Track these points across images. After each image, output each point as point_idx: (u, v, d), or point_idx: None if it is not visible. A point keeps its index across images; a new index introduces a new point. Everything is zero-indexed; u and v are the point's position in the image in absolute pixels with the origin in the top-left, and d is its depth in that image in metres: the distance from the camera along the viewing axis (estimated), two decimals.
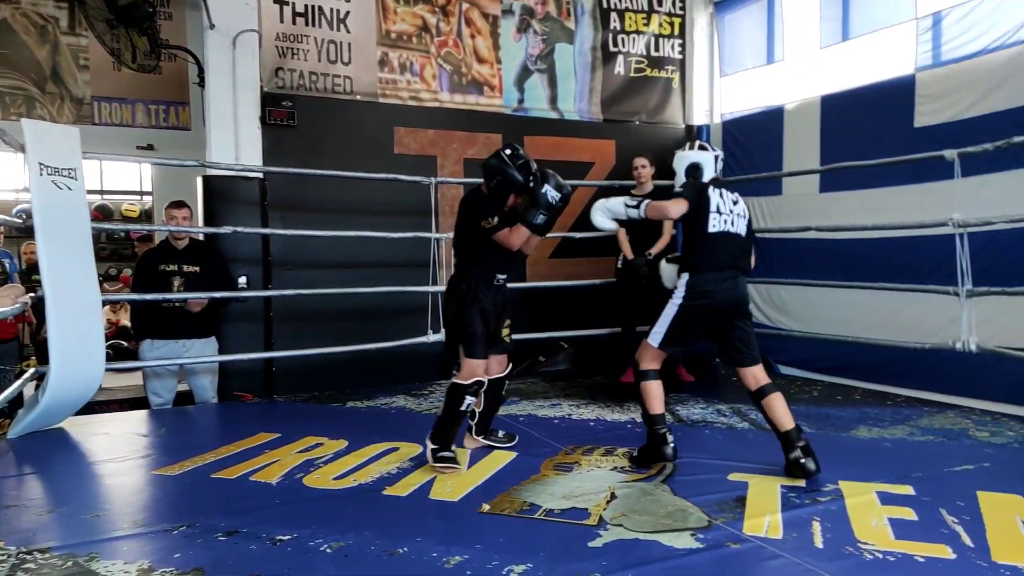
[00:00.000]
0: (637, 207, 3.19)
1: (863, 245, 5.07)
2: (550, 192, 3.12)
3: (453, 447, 3.23)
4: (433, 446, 3.18)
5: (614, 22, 6.39)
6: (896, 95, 4.92)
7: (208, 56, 4.91)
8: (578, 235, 5.65)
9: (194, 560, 2.25)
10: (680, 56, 6.64)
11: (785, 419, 3.04)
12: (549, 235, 5.74)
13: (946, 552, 2.28)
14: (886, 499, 2.73)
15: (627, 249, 5.06)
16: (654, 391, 3.20)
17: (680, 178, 3.29)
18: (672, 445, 3.16)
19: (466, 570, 2.18)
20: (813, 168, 5.44)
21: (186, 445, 3.58)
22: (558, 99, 6.21)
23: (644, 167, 5.18)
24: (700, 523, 2.54)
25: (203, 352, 4.48)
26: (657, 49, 6.56)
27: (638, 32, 6.48)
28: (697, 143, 3.45)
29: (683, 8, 6.61)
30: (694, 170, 3.27)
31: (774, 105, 5.98)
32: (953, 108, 4.57)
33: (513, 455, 3.36)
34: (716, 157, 3.33)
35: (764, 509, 2.65)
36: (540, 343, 5.68)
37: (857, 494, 2.78)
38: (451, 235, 5.23)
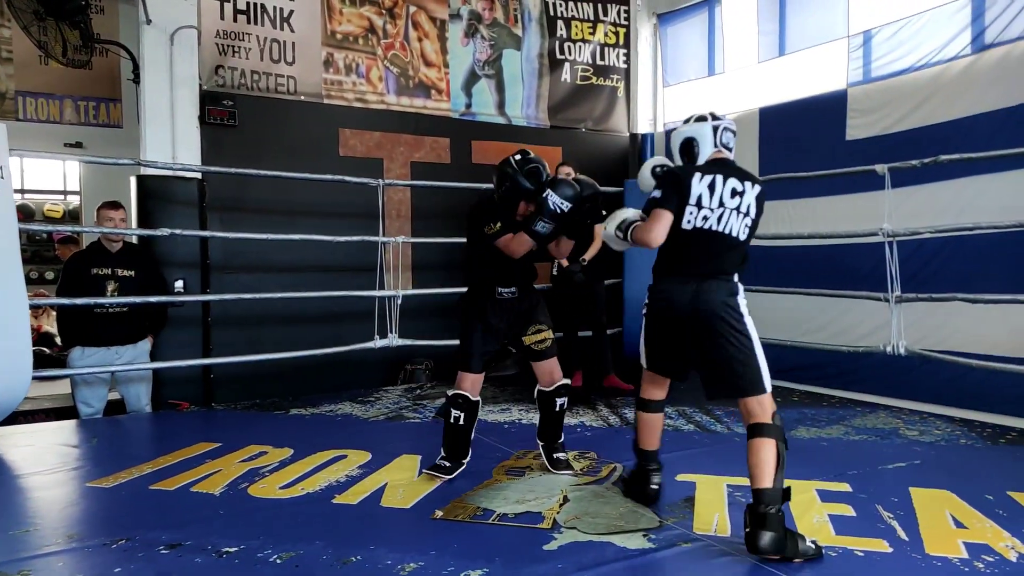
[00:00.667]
0: (625, 238, 2.66)
1: (800, 252, 5.26)
2: (552, 199, 2.85)
3: (464, 460, 3.14)
4: (443, 453, 3.15)
5: (561, 30, 6.47)
6: (829, 109, 5.15)
7: (144, 52, 4.73)
8: None
9: (136, 574, 2.15)
10: (625, 66, 6.77)
11: (759, 472, 2.34)
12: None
13: (883, 546, 2.38)
14: (825, 496, 2.84)
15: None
16: (644, 423, 2.81)
17: (676, 159, 2.74)
18: (655, 487, 2.78)
19: None
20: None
21: (121, 456, 3.41)
22: (506, 104, 6.24)
23: (568, 174, 5.22)
24: (652, 524, 2.58)
25: (137, 359, 4.29)
26: (603, 58, 6.68)
27: (584, 41, 6.58)
28: (698, 113, 2.75)
29: (628, 19, 6.75)
30: (688, 148, 2.66)
31: None
32: (882, 122, 4.80)
33: (464, 461, 3.33)
34: (717, 128, 2.63)
35: (712, 508, 2.71)
36: None
37: (798, 492, 2.84)
38: (399, 239, 5.24)
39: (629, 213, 2.72)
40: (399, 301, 4.93)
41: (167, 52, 4.73)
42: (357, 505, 2.78)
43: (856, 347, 4.53)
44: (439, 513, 2.68)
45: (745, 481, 2.96)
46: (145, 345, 4.35)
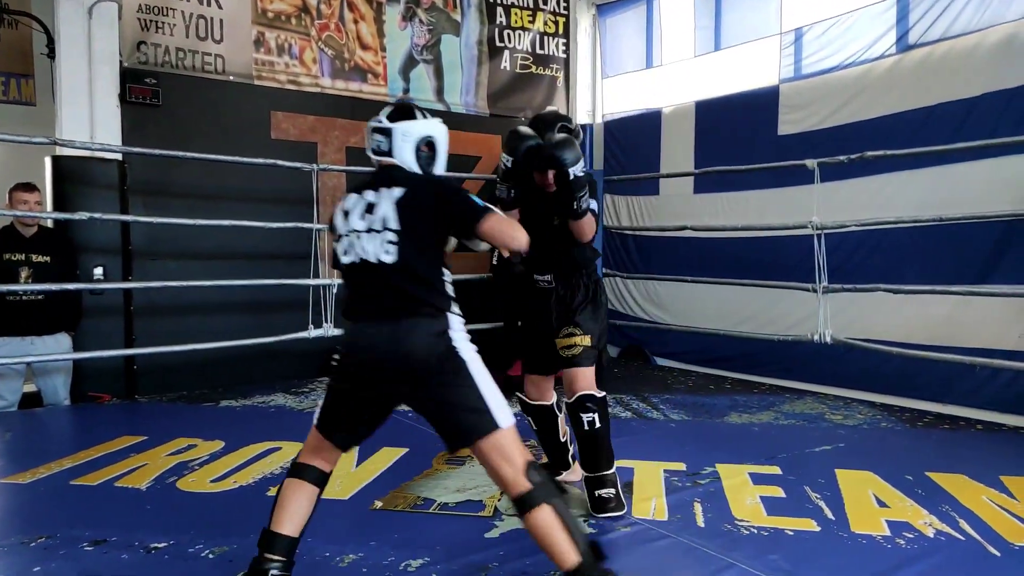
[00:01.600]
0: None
1: (733, 244, 5.41)
2: (501, 157, 2.70)
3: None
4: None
5: (500, 17, 6.42)
6: (762, 104, 5.29)
7: (60, 26, 4.45)
8: None
9: (57, 573, 2.04)
10: (564, 55, 6.79)
11: (554, 553, 1.84)
12: None
13: (812, 525, 2.47)
14: (757, 479, 2.93)
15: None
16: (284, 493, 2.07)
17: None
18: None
19: (361, 567, 2.11)
20: (688, 171, 5.74)
21: (38, 450, 3.22)
22: (444, 91, 6.16)
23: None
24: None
25: (53, 349, 4.04)
26: (543, 47, 6.67)
27: (524, 29, 6.55)
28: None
29: (567, 8, 6.76)
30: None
31: (652, 108, 6.25)
32: (812, 118, 4.97)
33: (404, 451, 3.29)
34: (368, 130, 2.14)
35: (650, 493, 2.76)
36: None
37: (732, 475, 2.96)
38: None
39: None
40: (335, 290, 4.81)
41: (85, 26, 4.46)
42: None
43: (785, 336, 4.69)
44: (378, 503, 2.63)
45: (682, 466, 3.06)
46: (63, 338, 4.10)
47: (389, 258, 1.93)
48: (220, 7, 5.07)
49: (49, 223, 4.34)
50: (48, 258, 3.99)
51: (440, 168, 2.16)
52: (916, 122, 4.37)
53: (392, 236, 1.93)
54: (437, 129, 2.14)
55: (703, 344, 5.53)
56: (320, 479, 2.06)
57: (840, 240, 4.59)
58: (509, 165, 2.67)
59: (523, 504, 1.83)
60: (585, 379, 2.62)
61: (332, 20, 5.59)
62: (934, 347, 4.09)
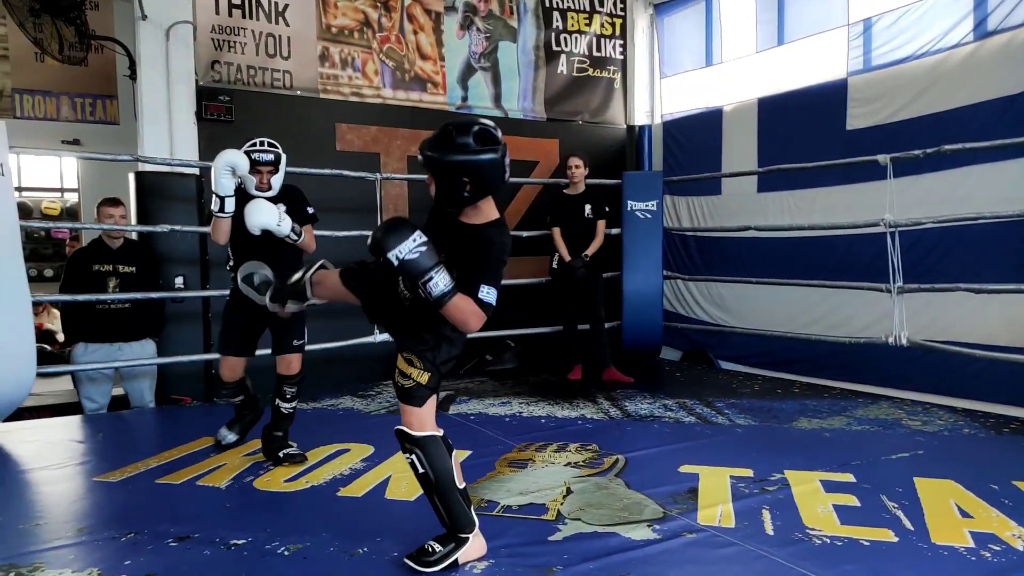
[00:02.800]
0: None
1: (800, 244, 5.27)
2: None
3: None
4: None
5: (557, 21, 6.44)
6: (829, 98, 5.14)
7: (140, 48, 4.71)
8: (524, 234, 5.67)
9: (146, 567, 2.16)
10: (622, 57, 6.75)
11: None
12: None
13: (889, 535, 2.38)
14: (829, 487, 2.84)
15: (563, 250, 5.09)
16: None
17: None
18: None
19: None
20: (751, 169, 5.62)
21: (126, 450, 3.42)
22: (502, 97, 6.22)
23: (578, 167, 5.18)
24: (656, 515, 2.58)
25: (139, 355, 4.28)
26: (599, 49, 6.65)
27: (580, 32, 6.55)
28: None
29: (624, 9, 6.72)
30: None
31: (713, 107, 6.15)
32: (883, 112, 4.79)
33: (467, 453, 3.34)
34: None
35: (716, 499, 2.72)
36: (486, 342, 5.68)
37: (802, 482, 2.88)
38: None
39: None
40: None
41: (163, 48, 4.71)
42: (362, 498, 2.79)
43: (857, 338, 4.53)
44: None
45: (749, 472, 3.00)
46: (149, 344, 4.34)
47: None
48: (288, 25, 5.27)
49: (134, 235, 4.60)
50: (133, 268, 4.23)
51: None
52: (996, 113, 4.17)
53: None
54: None
55: (769, 347, 5.39)
56: None
57: (916, 238, 4.41)
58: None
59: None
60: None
61: (392, 32, 5.73)
62: (1019, 349, 3.88)
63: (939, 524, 2.46)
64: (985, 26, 4.32)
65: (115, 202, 4.24)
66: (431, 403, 2.21)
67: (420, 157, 2.16)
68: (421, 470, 2.18)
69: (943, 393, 4.33)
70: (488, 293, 2.03)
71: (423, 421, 2.18)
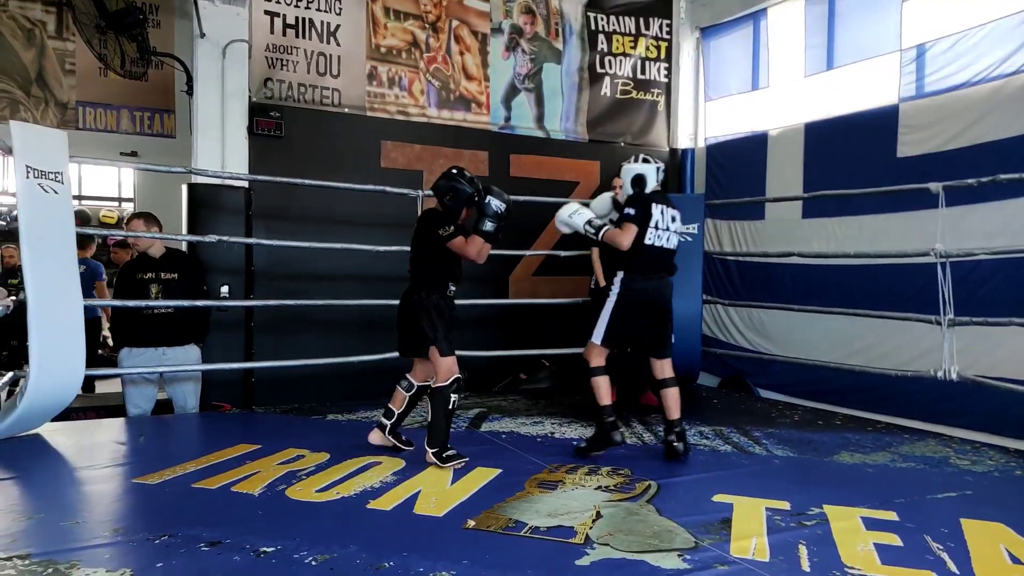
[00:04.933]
0: (596, 233, 3.58)
1: (845, 272, 5.15)
2: (494, 202, 3.41)
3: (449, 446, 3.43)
4: (432, 450, 3.37)
5: (601, 44, 6.48)
6: (879, 125, 5.03)
7: (197, 65, 4.88)
8: (563, 253, 5.67)
9: (177, 570, 2.20)
10: (666, 80, 6.74)
11: (674, 410, 3.61)
12: (533, 253, 5.85)
13: None
14: (870, 524, 2.74)
15: (599, 273, 5.04)
16: (601, 385, 3.63)
17: (627, 189, 3.66)
18: (621, 431, 3.64)
19: None
20: (796, 195, 5.53)
21: (166, 454, 3.50)
22: (545, 118, 6.26)
23: (623, 187, 5.15)
24: (687, 544, 2.52)
25: (183, 360, 4.40)
26: (643, 72, 6.66)
27: (625, 55, 6.57)
28: (641, 156, 3.75)
29: (670, 32, 6.72)
30: (639, 181, 3.63)
31: (758, 131, 6.08)
32: (935, 139, 4.68)
33: (497, 471, 3.33)
34: (658, 169, 3.69)
35: (750, 531, 2.64)
36: (521, 360, 5.67)
37: (842, 518, 2.78)
38: None
39: (587, 211, 3.69)
40: None
41: (219, 65, 4.88)
42: (391, 511, 2.79)
43: (904, 371, 4.38)
44: (471, 523, 2.67)
45: (786, 505, 2.92)
46: (193, 350, 4.45)
47: (673, 247, 3.68)
48: (339, 44, 5.41)
49: (183, 245, 4.75)
50: (175, 275, 4.35)
51: None
52: None
53: (675, 239, 3.69)
54: None
55: (810, 376, 5.26)
56: (606, 370, 3.67)
57: (968, 270, 4.27)
58: (503, 211, 3.44)
59: (667, 383, 3.71)
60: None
61: (439, 52, 5.84)
62: None
63: (987, 569, 2.34)
64: None
65: (139, 215, 4.40)
66: None
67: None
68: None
69: (994, 432, 4.15)
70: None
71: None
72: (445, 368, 3.41)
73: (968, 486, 3.27)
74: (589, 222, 3.62)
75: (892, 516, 2.81)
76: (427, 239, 3.48)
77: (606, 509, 2.85)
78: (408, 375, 3.71)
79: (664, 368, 3.66)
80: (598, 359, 3.64)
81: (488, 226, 3.41)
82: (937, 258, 4.08)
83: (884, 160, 4.95)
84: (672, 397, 3.62)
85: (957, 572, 2.33)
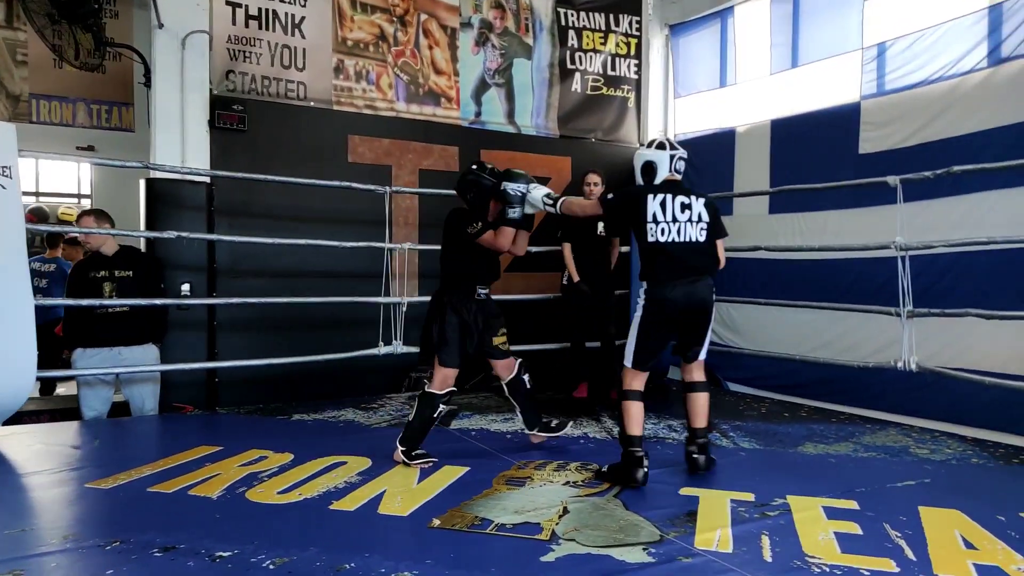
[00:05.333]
0: (554, 204, 3.35)
1: (810, 266, 5.21)
2: (510, 187, 3.30)
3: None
4: (403, 448, 3.36)
5: (572, 40, 6.47)
6: (842, 121, 5.10)
7: (156, 56, 4.76)
8: (535, 249, 5.63)
9: None
10: (636, 76, 6.76)
11: (699, 417, 3.32)
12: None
13: (890, 566, 2.31)
14: (832, 513, 2.77)
15: (572, 269, 5.01)
16: (632, 412, 3.22)
17: (637, 178, 3.29)
18: (645, 470, 3.08)
19: None
20: (762, 190, 5.58)
21: (121, 457, 3.40)
22: (515, 113, 6.24)
23: (596, 184, 5.14)
24: (652, 537, 2.52)
25: (140, 360, 4.28)
26: (613, 68, 6.67)
27: (595, 51, 6.57)
28: (657, 140, 3.33)
29: (639, 30, 6.74)
30: (648, 170, 3.24)
31: (726, 127, 6.13)
32: (895, 136, 4.75)
33: (465, 469, 3.30)
34: (673, 156, 3.22)
35: (715, 523, 2.65)
36: None
37: (804, 509, 2.82)
38: (405, 246, 5.21)
39: (544, 189, 3.40)
40: (404, 308, 4.91)
41: (178, 57, 4.76)
42: (354, 512, 2.75)
43: (866, 363, 4.45)
44: (436, 522, 2.64)
45: (750, 496, 2.94)
46: (151, 349, 4.34)
47: (697, 238, 3.17)
48: (304, 37, 5.32)
49: (141, 242, 4.63)
50: (130, 272, 4.23)
51: None
52: (1010, 139, 4.12)
53: (698, 229, 3.18)
54: None
55: (778, 369, 5.32)
56: (641, 396, 3.27)
57: (927, 263, 4.34)
58: (525, 192, 3.35)
59: (703, 385, 3.38)
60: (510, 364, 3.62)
61: (408, 47, 5.77)
62: None
63: (942, 555, 2.38)
64: (999, 52, 4.29)
65: (92, 213, 4.28)
66: None
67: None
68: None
69: (953, 421, 4.24)
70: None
71: None
72: (441, 377, 3.38)
73: (927, 474, 3.33)
74: (548, 195, 3.38)
75: (853, 505, 2.85)
76: (456, 239, 3.40)
77: (573, 504, 2.85)
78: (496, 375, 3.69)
79: (693, 371, 3.34)
80: (631, 382, 3.26)
81: (511, 213, 3.30)
82: (897, 251, 4.14)
83: (847, 156, 5.02)
84: (698, 403, 3.31)
85: (914, 559, 2.36)
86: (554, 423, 3.73)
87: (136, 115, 7.03)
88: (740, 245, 5.68)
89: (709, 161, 6.23)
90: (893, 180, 4.21)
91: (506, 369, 3.60)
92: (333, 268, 5.16)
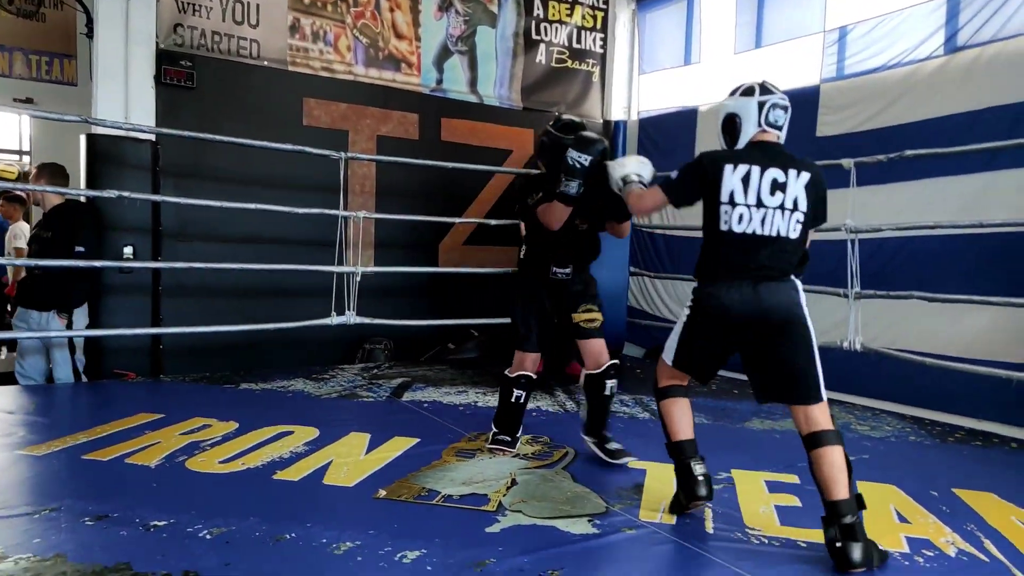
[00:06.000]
0: (623, 189, 2.61)
1: None
2: (571, 155, 2.72)
3: (518, 434, 3.24)
4: (495, 429, 3.23)
5: (538, 9, 6.36)
6: (801, 104, 5.04)
7: (98, 5, 4.52)
8: (493, 222, 5.59)
9: (56, 546, 2.06)
10: (601, 51, 6.70)
11: (833, 484, 2.19)
12: (463, 220, 5.75)
13: None
14: (773, 487, 2.84)
15: None
16: (675, 413, 2.54)
17: (720, 138, 2.44)
18: (704, 477, 2.46)
19: (356, 556, 2.08)
20: None
21: (57, 424, 3.29)
22: (478, 82, 6.13)
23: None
24: (597, 509, 2.54)
25: (41, 327, 4.01)
26: (579, 41, 6.59)
27: (561, 22, 6.48)
28: (746, 84, 2.39)
29: (606, 2, 6.66)
30: (730, 126, 2.37)
31: (689, 106, 6.12)
32: (852, 120, 4.81)
33: (415, 440, 3.27)
34: (764, 105, 2.31)
35: (661, 496, 2.68)
36: (449, 330, 5.61)
37: (747, 482, 2.87)
38: (360, 214, 5.09)
39: (634, 167, 2.65)
40: (358, 278, 4.80)
41: (123, 6, 4.52)
42: (298, 482, 2.70)
43: None
44: (382, 492, 2.61)
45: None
46: (53, 318, 4.02)
47: (794, 235, 2.29)
48: None
49: (82, 200, 4.43)
50: (50, 233, 4.03)
51: None
52: (962, 126, 4.19)
53: (800, 216, 2.29)
54: None
55: None
56: (685, 391, 2.61)
57: (876, 246, 4.43)
58: (586, 164, 2.75)
59: (825, 437, 2.30)
60: (607, 350, 3.09)
61: (368, 8, 5.60)
62: (971, 360, 3.91)
63: (876, 528, 2.44)
64: (955, 41, 4.35)
65: (46, 168, 4.10)
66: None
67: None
68: (616, 390, 3.06)
69: (893, 400, 4.37)
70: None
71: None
72: (516, 360, 3.14)
73: (866, 451, 3.42)
74: (623, 177, 2.62)
75: (794, 479, 2.92)
76: (521, 210, 3.08)
77: (522, 476, 2.85)
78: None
79: (810, 418, 2.30)
80: (666, 379, 2.57)
81: (568, 188, 2.74)
82: (847, 234, 4.21)
83: (804, 139, 5.02)
84: (829, 464, 2.23)
85: None
86: (613, 447, 3.07)
87: (79, 68, 6.69)
88: (698, 224, 5.72)
89: (671, 139, 6.23)
90: (847, 163, 4.26)
91: (593, 356, 3.04)
92: (285, 235, 5.02)
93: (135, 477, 2.67)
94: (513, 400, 3.15)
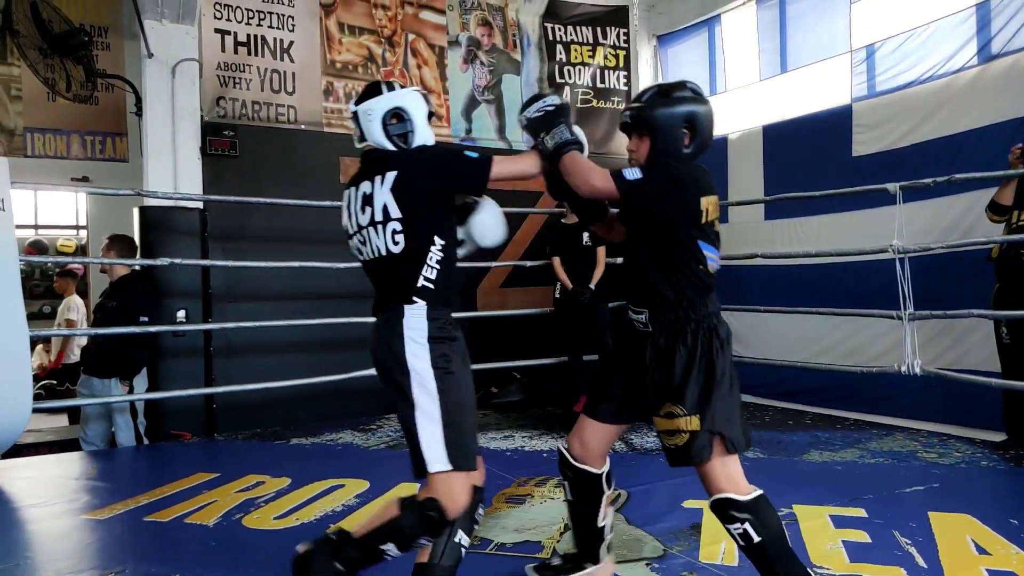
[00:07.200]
0: (558, 150, 1.99)
1: (808, 271, 5.17)
2: (518, 120, 2.16)
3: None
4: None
5: (560, 54, 6.48)
6: (834, 125, 5.08)
7: (146, 85, 4.77)
8: (529, 263, 5.63)
9: None
10: (626, 88, 6.77)
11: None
12: (500, 264, 5.79)
13: (901, 574, 2.26)
14: (839, 522, 2.72)
15: (565, 278, 5.01)
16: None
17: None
18: None
19: None
20: (757, 198, 5.55)
21: (118, 488, 3.37)
22: (506, 129, 6.24)
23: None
24: (655, 552, 2.47)
25: (101, 393, 4.15)
26: (603, 81, 6.68)
27: (584, 64, 6.58)
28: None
29: (627, 41, 6.76)
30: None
31: (718, 135, 6.10)
32: (889, 137, 4.73)
33: None
34: (356, 114, 2.07)
35: (719, 536, 2.59)
36: (492, 373, 5.60)
37: (811, 518, 2.76)
38: None
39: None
40: None
41: (169, 85, 4.77)
42: None
43: (869, 367, 4.39)
44: None
45: None
46: (115, 384, 4.15)
47: (397, 248, 1.88)
48: (292, 61, 5.33)
49: (130, 271, 4.61)
50: (115, 302, 4.21)
51: (421, 137, 2.00)
52: (1006, 134, 4.08)
53: (396, 226, 1.86)
54: (406, 98, 2.00)
55: (780, 377, 5.26)
56: None
57: (927, 264, 4.30)
58: (532, 116, 2.10)
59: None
60: (716, 479, 1.94)
61: (396, 67, 5.79)
62: None
63: (954, 562, 2.33)
64: (989, 50, 4.27)
65: (111, 240, 4.29)
66: (725, 452, 1.85)
67: (627, 118, 2.06)
68: (756, 538, 1.80)
69: (960, 424, 4.18)
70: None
71: (732, 477, 1.82)
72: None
73: (935, 479, 3.27)
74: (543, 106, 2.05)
75: (861, 513, 2.80)
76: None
77: None
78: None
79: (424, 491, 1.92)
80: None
81: (542, 146, 2.04)
82: (895, 254, 4.09)
83: (840, 159, 4.99)
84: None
85: (925, 566, 2.31)
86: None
87: (129, 145, 7.04)
88: (736, 253, 5.65)
89: None
90: (893, 187, 4.12)
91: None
92: (327, 289, 5.12)
93: (194, 536, 2.71)
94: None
